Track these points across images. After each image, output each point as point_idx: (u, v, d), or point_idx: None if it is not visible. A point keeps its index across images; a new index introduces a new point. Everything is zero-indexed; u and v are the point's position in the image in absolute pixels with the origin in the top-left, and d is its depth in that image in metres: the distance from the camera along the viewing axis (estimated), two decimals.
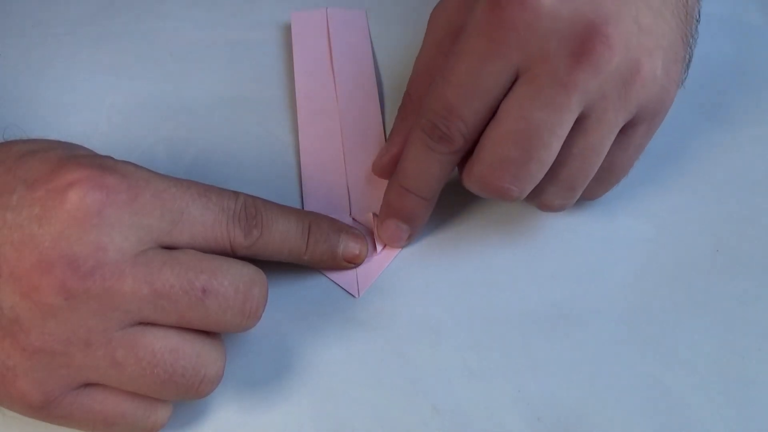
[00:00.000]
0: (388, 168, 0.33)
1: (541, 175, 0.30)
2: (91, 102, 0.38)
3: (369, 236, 0.34)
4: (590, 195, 0.33)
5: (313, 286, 0.33)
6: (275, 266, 0.33)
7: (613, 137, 0.30)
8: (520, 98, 0.29)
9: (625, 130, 0.30)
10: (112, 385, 0.26)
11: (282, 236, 0.30)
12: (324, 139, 0.36)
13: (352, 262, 0.33)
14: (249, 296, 0.27)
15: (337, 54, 0.40)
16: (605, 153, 0.30)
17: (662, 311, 0.33)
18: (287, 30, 0.41)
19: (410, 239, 0.34)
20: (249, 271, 0.27)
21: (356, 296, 0.33)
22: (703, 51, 0.41)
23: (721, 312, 0.33)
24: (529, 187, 0.30)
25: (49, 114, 0.37)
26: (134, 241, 0.25)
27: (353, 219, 0.35)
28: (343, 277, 0.33)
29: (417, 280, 0.33)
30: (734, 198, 0.36)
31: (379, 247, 0.34)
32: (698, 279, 0.34)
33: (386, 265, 0.33)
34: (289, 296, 0.32)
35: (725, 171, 0.37)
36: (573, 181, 0.31)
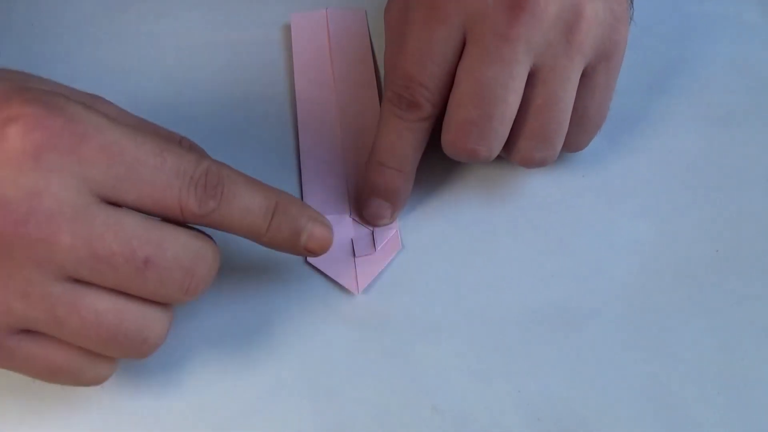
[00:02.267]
0: None
1: (505, 131, 0.31)
2: None
3: (368, 236, 0.34)
4: (575, 145, 0.35)
5: (313, 285, 0.33)
6: (275, 265, 0.33)
7: (573, 84, 0.31)
8: (470, 59, 0.30)
9: (586, 73, 0.32)
10: (54, 336, 0.25)
11: (242, 213, 0.27)
12: (324, 139, 0.36)
13: (312, 253, 0.29)
14: (192, 273, 0.25)
15: (336, 54, 0.40)
16: (571, 100, 0.32)
17: (662, 311, 0.33)
18: (287, 30, 0.41)
19: (393, 217, 0.34)
20: (197, 245, 0.26)
21: (355, 293, 0.32)
22: (703, 51, 0.42)
23: (721, 312, 0.33)
24: (497, 145, 0.31)
25: None
26: (73, 191, 0.23)
27: (353, 219, 0.35)
28: (342, 275, 0.33)
29: (417, 280, 0.33)
30: (734, 198, 0.36)
31: (378, 246, 0.34)
32: (698, 279, 0.34)
33: (386, 263, 0.33)
34: (288, 296, 0.32)
35: (725, 171, 0.37)
36: (545, 132, 0.32)
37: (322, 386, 0.30)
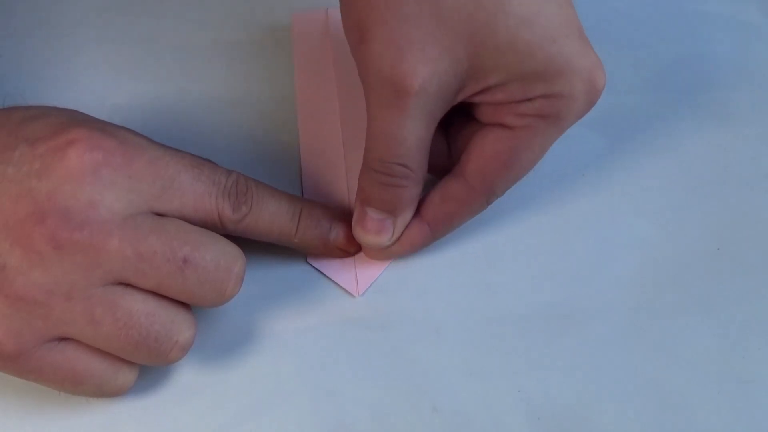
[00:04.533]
0: None
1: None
2: (92, 101, 0.38)
3: None
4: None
5: (313, 285, 0.33)
6: (275, 266, 0.33)
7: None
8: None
9: None
10: (86, 341, 0.27)
11: (271, 216, 0.30)
12: (324, 139, 0.36)
13: (345, 250, 0.32)
14: (228, 273, 0.27)
15: (337, 54, 0.40)
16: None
17: (663, 310, 0.33)
18: (288, 31, 0.41)
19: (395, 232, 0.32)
20: (232, 250, 0.28)
21: (355, 295, 0.33)
22: (703, 50, 0.42)
23: (721, 311, 0.33)
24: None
25: None
26: (125, 202, 0.26)
27: None
28: (342, 276, 0.33)
29: (417, 280, 0.33)
30: (735, 197, 0.36)
31: None
32: (699, 278, 0.34)
33: (386, 264, 0.33)
34: (288, 296, 0.32)
35: (725, 170, 0.37)
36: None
37: (322, 386, 0.30)
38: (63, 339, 0.26)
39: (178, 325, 0.27)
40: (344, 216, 0.32)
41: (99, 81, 0.39)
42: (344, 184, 0.35)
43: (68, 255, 0.25)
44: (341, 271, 0.33)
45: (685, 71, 0.41)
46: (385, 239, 0.31)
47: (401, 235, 0.32)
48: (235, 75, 0.39)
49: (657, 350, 0.32)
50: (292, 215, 0.31)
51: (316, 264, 0.33)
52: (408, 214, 0.31)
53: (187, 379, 0.31)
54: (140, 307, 0.27)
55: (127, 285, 0.26)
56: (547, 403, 0.30)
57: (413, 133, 0.28)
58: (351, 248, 0.32)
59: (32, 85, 0.38)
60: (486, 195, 0.31)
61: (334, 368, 0.31)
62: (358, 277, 0.33)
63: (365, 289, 0.33)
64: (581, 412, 0.30)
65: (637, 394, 0.31)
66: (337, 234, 0.32)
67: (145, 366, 0.29)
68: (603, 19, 0.43)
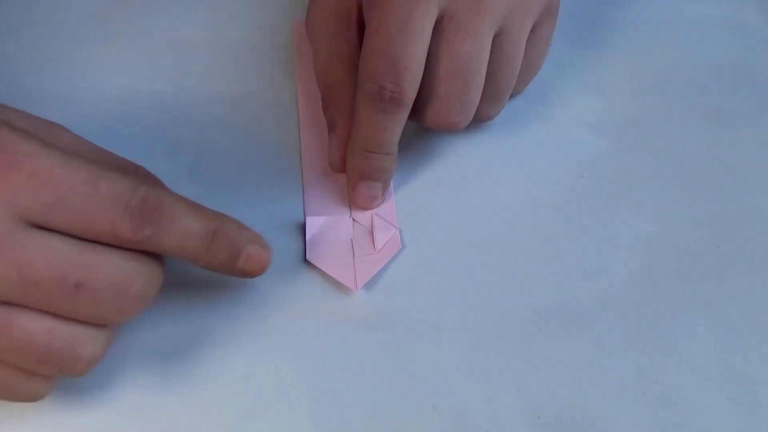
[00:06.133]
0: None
1: (478, 98, 0.33)
2: (90, 96, 0.38)
3: (368, 236, 0.34)
4: (514, 92, 0.37)
5: (313, 285, 0.33)
6: (274, 266, 0.33)
7: (525, 40, 0.34)
8: (446, 35, 0.32)
9: (533, 29, 0.34)
10: None
11: (180, 239, 0.27)
12: (325, 140, 0.36)
13: (249, 274, 0.29)
14: (125, 294, 0.26)
15: None
16: (521, 56, 0.34)
17: (663, 310, 0.33)
18: (288, 32, 0.41)
19: (384, 195, 0.35)
20: (131, 266, 0.26)
21: (354, 290, 0.32)
22: (702, 51, 0.42)
23: (722, 310, 0.33)
24: (473, 112, 0.34)
25: (46, 107, 0.37)
26: (2, 216, 0.24)
27: (353, 220, 0.35)
28: (340, 272, 0.33)
29: (417, 280, 0.33)
30: (735, 197, 0.36)
31: (378, 246, 0.34)
32: (699, 278, 0.34)
33: (385, 261, 0.33)
34: (287, 296, 0.32)
35: (726, 170, 0.37)
36: (502, 91, 0.35)
37: (322, 386, 0.30)
38: None
39: (81, 337, 0.26)
40: (256, 238, 0.29)
41: (99, 78, 0.39)
42: (345, 185, 0.35)
43: None
44: (339, 267, 0.33)
45: (684, 72, 0.41)
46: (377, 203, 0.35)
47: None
48: (236, 75, 0.39)
49: (657, 350, 0.32)
50: (204, 236, 0.27)
51: (314, 260, 0.33)
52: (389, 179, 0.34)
53: (187, 379, 0.30)
54: (37, 327, 0.25)
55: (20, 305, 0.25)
56: (547, 403, 0.30)
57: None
58: (255, 274, 0.29)
59: (32, 82, 0.38)
60: None
61: (334, 368, 0.31)
62: (357, 272, 0.33)
63: (363, 283, 0.33)
64: (581, 412, 0.30)
65: (636, 394, 0.31)
66: (246, 259, 0.29)
67: (145, 365, 0.29)
68: (602, 22, 0.43)
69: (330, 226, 0.34)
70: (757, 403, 0.30)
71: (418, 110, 0.33)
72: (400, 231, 0.35)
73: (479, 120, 0.36)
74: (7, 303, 0.25)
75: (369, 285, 0.33)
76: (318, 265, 0.33)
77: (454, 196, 0.36)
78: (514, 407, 0.30)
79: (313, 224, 0.34)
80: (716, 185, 0.36)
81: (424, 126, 0.34)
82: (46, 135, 0.26)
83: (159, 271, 0.27)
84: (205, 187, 0.35)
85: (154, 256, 0.27)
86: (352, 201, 0.35)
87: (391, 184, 0.35)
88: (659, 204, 0.36)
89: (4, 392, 0.26)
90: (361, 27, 0.34)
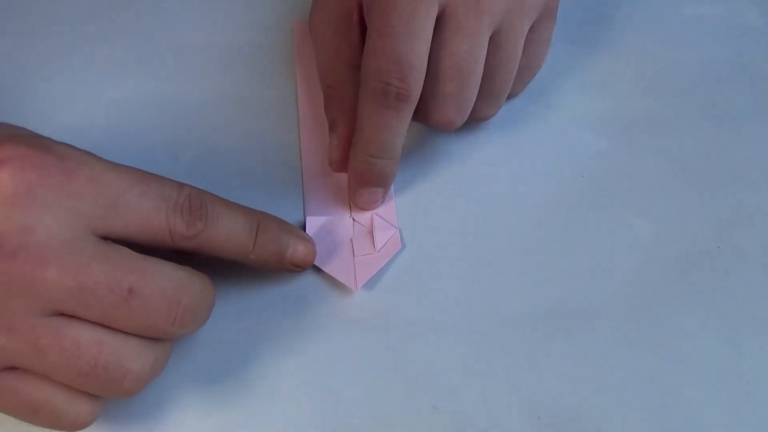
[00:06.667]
0: (346, 159, 0.34)
1: (474, 97, 0.33)
2: (89, 97, 0.38)
3: (368, 236, 0.34)
4: (513, 93, 0.37)
5: (312, 285, 0.33)
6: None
7: (523, 40, 0.34)
8: (446, 34, 0.32)
9: (532, 29, 0.34)
10: (35, 371, 0.25)
11: (228, 232, 0.28)
12: (325, 140, 0.36)
13: (299, 267, 0.31)
14: (176, 302, 0.26)
15: None
16: (519, 56, 0.34)
17: (663, 310, 0.33)
18: (288, 32, 0.41)
19: (384, 197, 0.35)
20: (181, 276, 0.26)
21: (354, 289, 0.32)
22: (702, 52, 0.42)
23: (722, 310, 0.33)
24: (468, 111, 0.34)
25: (47, 107, 0.37)
26: (66, 224, 0.24)
27: (353, 220, 0.35)
28: (341, 272, 0.33)
29: (417, 280, 0.33)
30: (735, 196, 0.36)
31: (378, 246, 0.34)
32: (699, 277, 0.34)
33: (385, 261, 0.33)
34: (287, 296, 0.32)
35: (725, 170, 0.37)
36: (499, 90, 0.35)
37: (322, 386, 0.30)
38: (18, 368, 0.25)
39: (130, 352, 0.26)
40: (299, 232, 0.31)
41: (98, 78, 0.39)
42: (345, 185, 0.35)
43: (4, 284, 0.24)
44: (339, 267, 0.33)
45: (684, 72, 0.41)
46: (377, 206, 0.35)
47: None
48: (236, 76, 0.39)
49: (657, 349, 0.32)
50: (250, 231, 0.29)
51: (315, 261, 0.33)
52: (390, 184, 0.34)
53: (187, 379, 0.30)
54: (89, 336, 0.25)
55: (73, 316, 0.25)
56: (547, 403, 0.30)
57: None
58: (305, 265, 0.32)
59: (32, 83, 0.38)
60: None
61: (334, 368, 0.31)
62: (357, 271, 0.33)
63: (363, 283, 0.33)
64: (581, 412, 0.30)
65: (637, 394, 0.31)
66: (294, 251, 0.31)
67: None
68: (602, 22, 0.43)
69: (330, 225, 0.34)
70: (757, 403, 0.30)
71: (417, 109, 0.33)
72: (400, 231, 0.35)
73: (477, 119, 0.36)
74: (62, 314, 0.25)
75: (369, 285, 0.33)
76: (318, 264, 0.33)
77: (454, 196, 0.36)
78: (514, 407, 0.30)
79: (313, 224, 0.34)
80: (716, 185, 0.36)
81: (419, 123, 0.34)
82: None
83: (210, 288, 0.27)
84: (205, 187, 0.35)
85: (202, 273, 0.27)
86: (353, 204, 0.35)
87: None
88: (659, 204, 0.36)
89: (46, 416, 0.26)
90: (362, 28, 0.34)
